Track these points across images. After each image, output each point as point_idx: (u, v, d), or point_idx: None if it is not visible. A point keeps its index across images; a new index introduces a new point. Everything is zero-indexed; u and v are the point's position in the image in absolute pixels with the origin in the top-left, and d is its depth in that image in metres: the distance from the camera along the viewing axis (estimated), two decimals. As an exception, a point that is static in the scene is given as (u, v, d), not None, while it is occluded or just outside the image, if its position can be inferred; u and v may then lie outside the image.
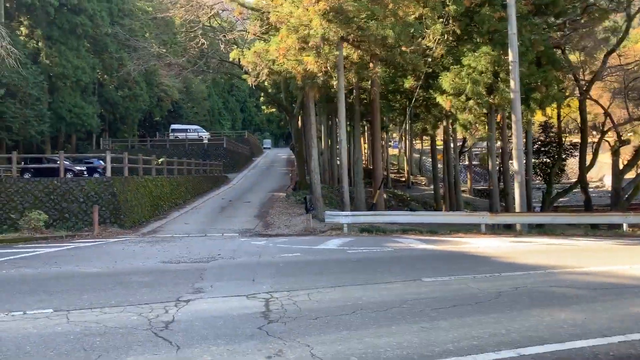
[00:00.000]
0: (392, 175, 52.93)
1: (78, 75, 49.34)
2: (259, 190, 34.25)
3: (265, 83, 31.06)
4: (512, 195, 23.28)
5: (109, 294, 7.81)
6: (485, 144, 55.86)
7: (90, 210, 20.50)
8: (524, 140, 26.70)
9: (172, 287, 8.38)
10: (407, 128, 50.22)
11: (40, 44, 47.93)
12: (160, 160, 28.13)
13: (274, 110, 69.31)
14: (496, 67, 22.18)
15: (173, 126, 73.31)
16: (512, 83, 20.61)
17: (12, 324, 6.11)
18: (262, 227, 21.33)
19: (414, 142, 60.49)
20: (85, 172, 34.65)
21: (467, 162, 57.62)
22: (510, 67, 20.61)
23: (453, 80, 22.12)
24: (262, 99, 65.26)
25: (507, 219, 19.06)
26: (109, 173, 21.96)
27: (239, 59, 25.43)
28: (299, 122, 33.30)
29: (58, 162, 32.76)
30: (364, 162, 45.47)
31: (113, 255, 12.54)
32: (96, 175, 34.20)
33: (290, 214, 24.29)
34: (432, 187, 54.67)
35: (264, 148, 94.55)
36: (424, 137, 57.29)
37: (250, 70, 21.97)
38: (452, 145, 35.52)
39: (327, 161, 37.53)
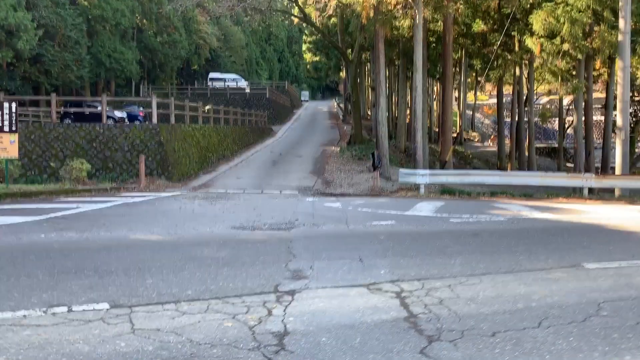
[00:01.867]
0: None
1: (117, 18, 47.19)
2: (307, 143, 32.00)
3: (318, 23, 28.26)
4: (607, 154, 20.40)
5: (181, 278, 5.75)
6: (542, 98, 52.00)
7: (136, 160, 18.64)
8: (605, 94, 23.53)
9: (260, 267, 6.28)
10: (462, 79, 46.81)
11: (78, -17, 45.74)
12: (207, 107, 26.03)
13: (317, 58, 66.27)
14: (597, 5, 18.95)
15: (211, 75, 70.92)
16: (621, 22, 17.46)
17: (53, 332, 4.06)
18: (322, 184, 19.19)
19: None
20: (126, 120, 33.06)
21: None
22: (620, 4, 17.41)
23: (546, 20, 19.02)
24: (305, 45, 62.11)
25: (618, 182, 16.31)
26: (155, 120, 19.96)
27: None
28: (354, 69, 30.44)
29: (99, 107, 31.30)
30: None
31: (170, 215, 10.55)
32: (137, 122, 32.56)
33: (350, 171, 22.04)
34: (485, 144, 51.52)
35: (302, 100, 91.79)
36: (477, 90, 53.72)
37: (314, 3, 19.33)
38: (518, 98, 32.26)
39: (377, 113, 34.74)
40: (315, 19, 18.96)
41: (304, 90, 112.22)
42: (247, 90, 52.62)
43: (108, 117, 27.14)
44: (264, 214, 10.79)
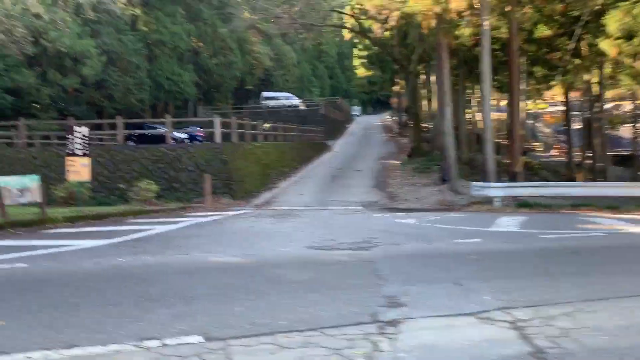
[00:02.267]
0: (500, 141, 48.07)
1: (175, 41, 48.55)
2: (365, 157, 31.50)
3: (375, 36, 27.76)
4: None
5: (270, 305, 5.37)
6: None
7: (200, 179, 18.71)
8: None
9: (350, 293, 5.82)
10: (520, 87, 45.19)
11: (137, 10, 47.41)
12: (266, 125, 26.07)
13: (370, 73, 65.87)
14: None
15: (264, 94, 71.74)
16: None
17: (149, 369, 3.75)
18: (387, 199, 18.65)
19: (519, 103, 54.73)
20: (186, 140, 33.62)
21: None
22: None
23: (622, 20, 17.88)
24: (356, 61, 62.07)
25: None
26: (218, 139, 20.02)
27: (355, 7, 22.40)
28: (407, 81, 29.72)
29: (160, 128, 31.96)
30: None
31: (242, 235, 10.31)
32: (196, 142, 33.02)
33: (414, 184, 21.37)
34: (549, 153, 49.42)
35: (354, 115, 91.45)
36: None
37: (376, 15, 18.99)
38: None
39: (439, 125, 33.85)
40: (376, 31, 18.63)
41: (355, 105, 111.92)
42: (302, 107, 52.78)
43: (170, 137, 27.70)
44: (337, 232, 10.37)
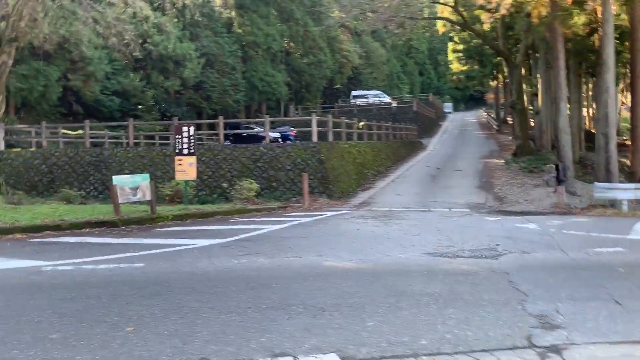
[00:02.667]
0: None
1: (268, 42, 49.41)
2: (464, 156, 30.14)
3: (484, 27, 26.34)
4: None
5: (404, 320, 4.82)
6: None
7: (298, 178, 18.58)
8: None
9: (491, 309, 5.14)
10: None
11: (233, 13, 48.73)
12: (362, 124, 25.59)
13: (466, 67, 63.57)
14: None
15: (354, 92, 71.56)
16: None
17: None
18: (495, 201, 17.50)
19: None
20: (279, 139, 33.98)
21: None
22: None
23: None
24: (451, 55, 60.06)
25: None
26: (315, 138, 19.79)
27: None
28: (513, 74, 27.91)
29: (255, 128, 32.48)
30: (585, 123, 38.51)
31: (350, 237, 9.86)
32: (289, 142, 33.24)
33: (523, 185, 19.99)
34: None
35: (445, 112, 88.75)
36: None
37: (485, 4, 17.90)
38: None
39: (545, 121, 31.75)
40: (485, 20, 17.62)
41: (447, 102, 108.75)
42: (393, 105, 51.87)
43: (263, 137, 28.07)
44: (452, 237, 9.63)
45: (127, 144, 23.39)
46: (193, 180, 15.67)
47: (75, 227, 10.55)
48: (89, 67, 28.23)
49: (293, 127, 37.18)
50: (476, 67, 41.37)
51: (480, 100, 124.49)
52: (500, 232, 10.25)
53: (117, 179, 11.65)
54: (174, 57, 34.62)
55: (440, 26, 62.47)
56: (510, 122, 49.55)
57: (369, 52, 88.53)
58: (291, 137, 34.57)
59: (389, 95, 73.26)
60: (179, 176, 13.74)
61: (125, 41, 21.60)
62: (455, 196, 18.44)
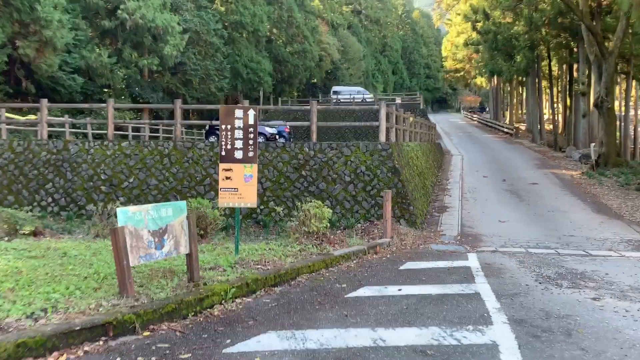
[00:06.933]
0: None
1: (255, 24, 42.98)
2: (512, 164, 24.82)
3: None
4: None
5: None
6: None
7: (363, 195, 12.74)
8: None
9: None
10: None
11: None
12: (411, 118, 19.83)
13: (459, 65, 59.13)
14: None
15: (335, 88, 65.97)
16: None
17: None
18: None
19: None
20: (277, 136, 27.98)
21: None
22: None
23: None
24: (445, 51, 55.21)
25: None
26: (383, 138, 13.84)
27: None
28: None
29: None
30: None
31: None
32: (282, 140, 27.22)
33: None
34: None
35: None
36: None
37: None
38: None
39: (595, 124, 26.90)
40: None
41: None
42: (398, 101, 46.59)
43: (260, 133, 22.00)
44: None
45: (101, 137, 16.87)
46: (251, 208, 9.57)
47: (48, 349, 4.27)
48: (45, 31, 21.22)
49: (285, 122, 31.11)
50: (499, 60, 36.14)
51: (444, 103, 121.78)
52: None
53: (124, 214, 5.40)
54: (153, 29, 27.84)
55: (435, 18, 57.89)
56: (524, 128, 45.03)
57: (346, 46, 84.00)
58: (285, 134, 28.57)
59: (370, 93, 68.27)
60: (226, 199, 7.52)
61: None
62: (585, 227, 12.98)
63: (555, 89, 39.98)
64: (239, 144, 7.54)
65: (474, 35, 42.38)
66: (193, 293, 5.61)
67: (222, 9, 41.85)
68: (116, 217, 5.72)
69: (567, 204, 15.84)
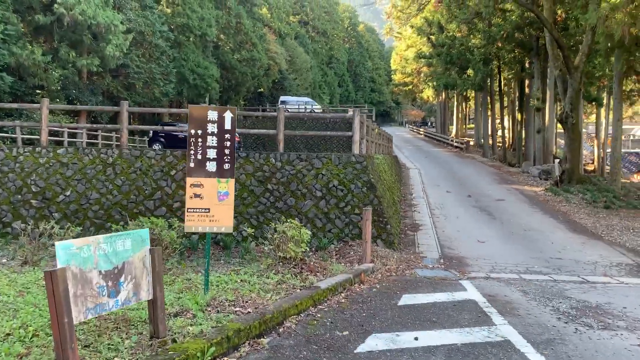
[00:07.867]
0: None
1: (203, 28, 41.06)
2: (471, 180, 24.24)
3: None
4: None
5: None
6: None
7: (336, 212, 11.47)
8: None
9: None
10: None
11: (162, -14, 39.88)
12: (376, 130, 18.78)
13: (408, 78, 59.33)
14: None
15: (282, 98, 64.73)
16: None
17: None
18: (638, 256, 11.55)
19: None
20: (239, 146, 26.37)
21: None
22: None
23: None
24: (395, 64, 55.20)
25: None
26: (357, 149, 12.66)
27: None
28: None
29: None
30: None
31: None
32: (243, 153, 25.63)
33: (632, 229, 14.30)
34: (632, 179, 42.76)
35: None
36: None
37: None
38: None
39: (551, 140, 26.79)
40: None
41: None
42: (350, 112, 45.49)
43: None
44: None
45: (32, 142, 14.79)
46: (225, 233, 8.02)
47: None
48: (-32, 22, 18.76)
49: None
50: (452, 74, 35.99)
51: (387, 117, 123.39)
52: None
53: (66, 249, 3.85)
54: (94, 27, 25.59)
55: (386, 31, 57.81)
56: (472, 143, 45.24)
57: (294, 56, 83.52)
58: (235, 144, 26.97)
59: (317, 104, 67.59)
60: (194, 222, 5.99)
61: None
62: (569, 248, 12.29)
63: (504, 104, 40.36)
64: (211, 153, 6.08)
65: (425, 48, 42.29)
66: (160, 356, 4.11)
67: (169, 10, 39.79)
68: (53, 245, 4.16)
69: (540, 221, 15.18)
